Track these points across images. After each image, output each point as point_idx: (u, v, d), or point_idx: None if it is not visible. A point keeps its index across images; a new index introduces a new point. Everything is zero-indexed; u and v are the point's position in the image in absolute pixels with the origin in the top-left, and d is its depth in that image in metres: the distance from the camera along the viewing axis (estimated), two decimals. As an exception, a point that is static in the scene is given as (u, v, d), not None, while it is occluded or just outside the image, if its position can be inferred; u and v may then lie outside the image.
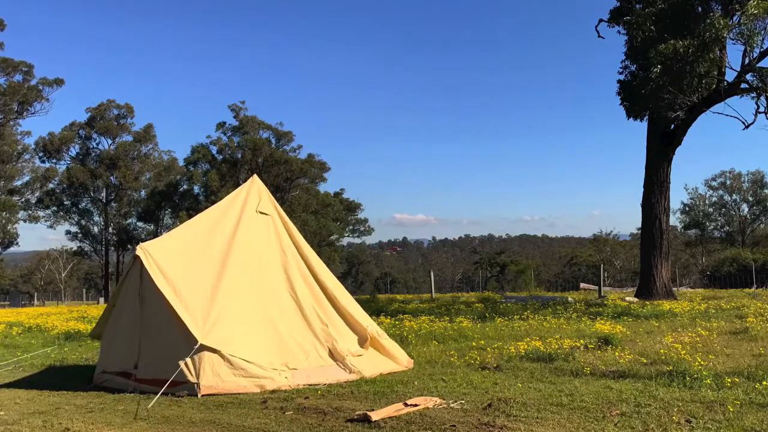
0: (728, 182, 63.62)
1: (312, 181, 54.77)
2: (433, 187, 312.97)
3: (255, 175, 10.18)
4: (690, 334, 10.72)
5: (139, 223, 59.35)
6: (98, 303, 46.90)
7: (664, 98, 17.79)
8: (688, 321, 13.09)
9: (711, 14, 16.94)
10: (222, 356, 7.55)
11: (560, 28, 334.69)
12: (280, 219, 9.59)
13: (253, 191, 9.66)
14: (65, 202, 56.64)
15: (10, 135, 52.50)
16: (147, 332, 8.19)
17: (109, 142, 57.54)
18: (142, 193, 58.35)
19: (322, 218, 51.00)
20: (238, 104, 53.95)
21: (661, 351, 8.97)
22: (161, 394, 7.13)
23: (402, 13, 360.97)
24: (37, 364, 11.26)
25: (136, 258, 8.43)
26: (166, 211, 56.60)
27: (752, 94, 18.26)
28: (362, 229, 61.53)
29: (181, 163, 56.25)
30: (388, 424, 5.87)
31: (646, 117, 20.45)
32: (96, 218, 58.69)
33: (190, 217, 12.31)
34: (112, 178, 56.39)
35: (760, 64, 18.24)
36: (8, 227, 53.34)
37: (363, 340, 8.72)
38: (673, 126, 20.51)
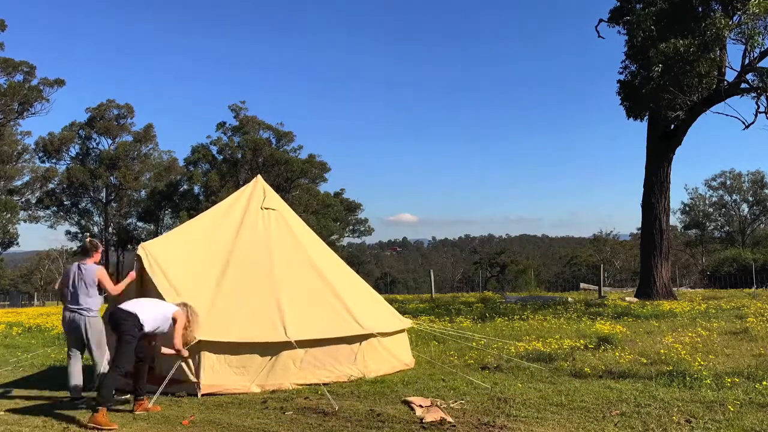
0: (728, 182, 63.66)
1: (312, 181, 54.78)
2: (433, 187, 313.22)
3: (259, 176, 10.20)
4: (690, 334, 10.72)
5: (139, 223, 59.41)
6: (98, 303, 46.80)
7: (664, 98, 17.81)
8: (688, 321, 13.10)
9: (711, 14, 16.94)
10: (222, 354, 7.55)
11: (560, 26, 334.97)
12: (288, 213, 9.65)
13: (258, 190, 9.68)
14: (65, 202, 56.66)
15: (10, 135, 52.53)
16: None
17: (109, 142, 57.60)
18: (142, 193, 58.39)
19: (322, 218, 50.98)
20: (239, 104, 54.05)
21: (661, 351, 8.97)
22: (161, 394, 7.13)
23: (400, 9, 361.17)
24: (37, 364, 11.25)
25: (138, 257, 8.44)
26: (166, 211, 56.61)
27: (752, 94, 18.28)
28: (362, 229, 61.58)
29: (181, 163, 56.35)
30: (386, 424, 5.88)
31: (646, 117, 20.47)
32: (96, 218, 58.75)
33: (190, 217, 12.36)
34: (112, 178, 56.39)
35: (760, 64, 18.25)
36: (9, 227, 53.33)
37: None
38: (673, 126, 20.53)
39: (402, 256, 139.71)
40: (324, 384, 7.71)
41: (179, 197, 54.25)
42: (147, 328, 6.71)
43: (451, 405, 6.54)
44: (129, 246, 56.63)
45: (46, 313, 24.62)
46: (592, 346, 9.91)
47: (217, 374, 7.52)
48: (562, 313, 15.73)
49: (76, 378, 7.36)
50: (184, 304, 7.27)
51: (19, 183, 55.36)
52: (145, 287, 8.37)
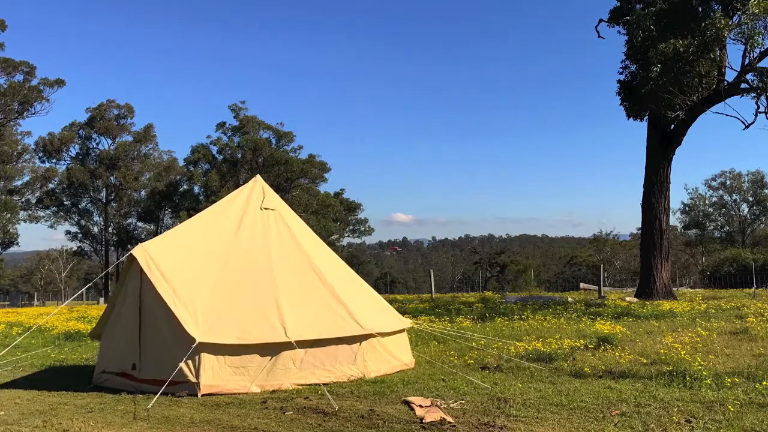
0: (728, 182, 63.67)
1: (312, 181, 54.74)
2: (433, 187, 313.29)
3: (258, 176, 10.20)
4: (690, 334, 10.71)
5: (139, 223, 59.35)
6: (98, 303, 46.89)
7: (664, 98, 17.79)
8: (688, 321, 13.09)
9: (711, 14, 16.93)
10: (222, 355, 7.55)
11: (560, 26, 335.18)
12: (288, 213, 9.67)
13: (257, 189, 9.69)
14: (65, 202, 56.62)
15: (11, 135, 52.50)
16: (146, 332, 8.19)
17: (109, 142, 57.58)
18: (142, 193, 58.34)
19: (322, 218, 50.95)
20: (239, 104, 54.00)
21: (661, 351, 8.97)
22: (161, 394, 7.13)
23: (400, 9, 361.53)
24: (37, 364, 11.26)
25: (133, 258, 8.43)
26: (166, 211, 56.57)
27: (752, 94, 18.26)
28: (362, 229, 61.49)
29: (181, 163, 56.30)
30: (386, 424, 5.88)
31: (646, 117, 20.47)
32: (96, 218, 58.71)
33: (190, 217, 12.31)
34: (112, 178, 56.36)
35: (760, 64, 18.24)
36: (9, 227, 53.30)
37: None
38: (673, 126, 20.52)
39: (402, 256, 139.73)
40: (324, 384, 7.71)
41: (179, 197, 54.22)
42: None
43: (451, 405, 6.54)
44: (129, 246, 56.59)
45: (46, 313, 24.61)
46: (592, 346, 9.91)
47: (216, 375, 7.52)
48: (562, 313, 15.73)
49: None
50: None
51: (19, 183, 55.38)
52: (143, 288, 8.37)
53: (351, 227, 60.59)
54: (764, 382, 6.80)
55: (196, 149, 52.73)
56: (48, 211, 56.61)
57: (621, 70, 20.70)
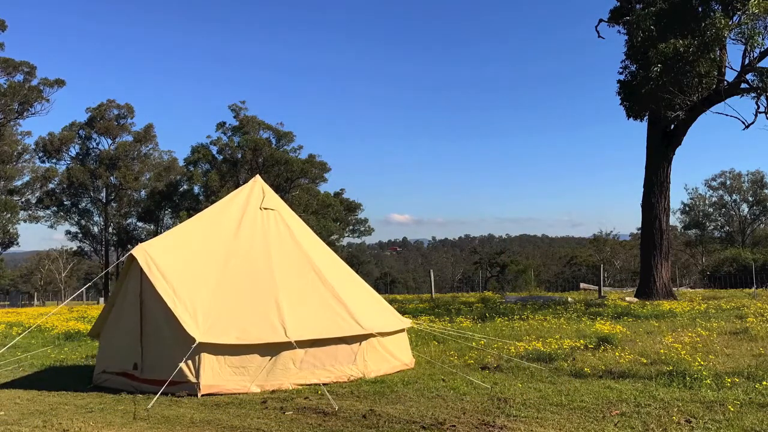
0: (728, 182, 63.69)
1: (312, 181, 54.72)
2: (433, 187, 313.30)
3: (257, 176, 10.21)
4: (690, 334, 10.71)
5: (139, 223, 59.33)
6: (98, 303, 46.88)
7: (664, 98, 17.80)
8: (688, 321, 13.09)
9: (711, 14, 16.92)
10: (222, 355, 7.55)
11: (560, 26, 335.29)
12: (287, 213, 9.68)
13: (256, 189, 9.69)
14: (65, 202, 56.59)
15: (11, 135, 52.48)
16: (147, 332, 8.19)
17: (109, 142, 57.55)
18: (142, 193, 58.31)
19: (322, 218, 50.92)
20: (239, 104, 53.98)
21: (661, 351, 8.97)
22: (161, 394, 7.13)
23: (400, 9, 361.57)
24: (37, 364, 11.26)
25: (133, 258, 8.43)
26: (166, 211, 56.55)
27: (752, 94, 18.25)
28: (362, 229, 61.46)
29: (181, 163, 56.27)
30: (386, 424, 5.87)
31: (646, 117, 20.47)
32: (96, 218, 58.68)
33: (190, 217, 12.31)
34: (112, 178, 56.33)
35: (760, 64, 18.24)
36: (9, 227, 53.26)
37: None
38: (673, 126, 20.51)
39: (402, 256, 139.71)
40: (324, 384, 7.70)
41: (179, 197, 54.19)
42: None
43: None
44: (129, 246, 56.54)
45: (46, 313, 24.60)
46: (592, 346, 9.91)
47: (216, 375, 7.52)
48: (562, 313, 15.73)
49: None
50: None
51: (19, 183, 55.34)
52: (143, 288, 8.36)
53: (351, 227, 60.56)
54: (764, 382, 6.80)
55: (196, 149, 52.70)
56: (48, 211, 56.59)
57: (621, 70, 20.71)
